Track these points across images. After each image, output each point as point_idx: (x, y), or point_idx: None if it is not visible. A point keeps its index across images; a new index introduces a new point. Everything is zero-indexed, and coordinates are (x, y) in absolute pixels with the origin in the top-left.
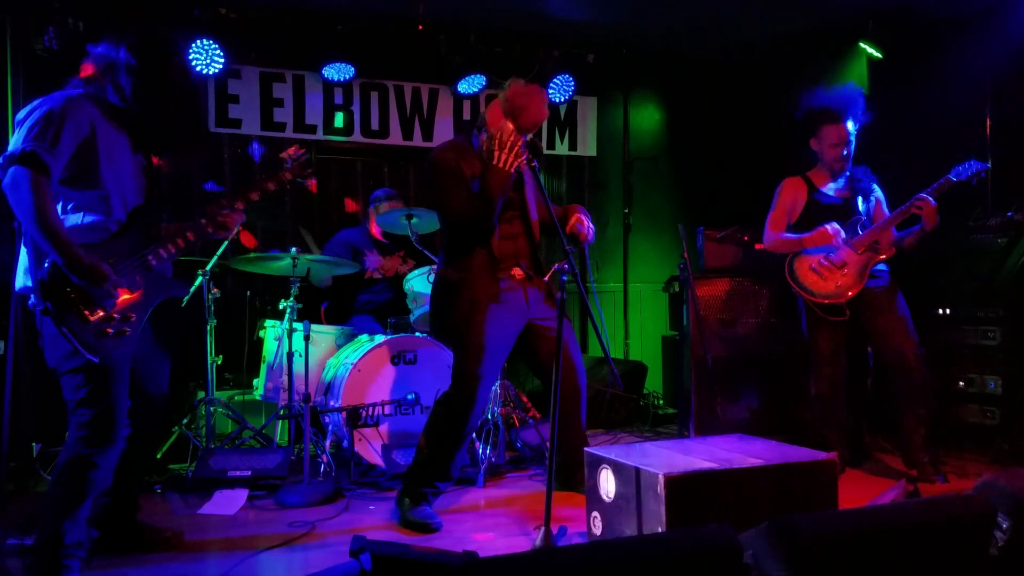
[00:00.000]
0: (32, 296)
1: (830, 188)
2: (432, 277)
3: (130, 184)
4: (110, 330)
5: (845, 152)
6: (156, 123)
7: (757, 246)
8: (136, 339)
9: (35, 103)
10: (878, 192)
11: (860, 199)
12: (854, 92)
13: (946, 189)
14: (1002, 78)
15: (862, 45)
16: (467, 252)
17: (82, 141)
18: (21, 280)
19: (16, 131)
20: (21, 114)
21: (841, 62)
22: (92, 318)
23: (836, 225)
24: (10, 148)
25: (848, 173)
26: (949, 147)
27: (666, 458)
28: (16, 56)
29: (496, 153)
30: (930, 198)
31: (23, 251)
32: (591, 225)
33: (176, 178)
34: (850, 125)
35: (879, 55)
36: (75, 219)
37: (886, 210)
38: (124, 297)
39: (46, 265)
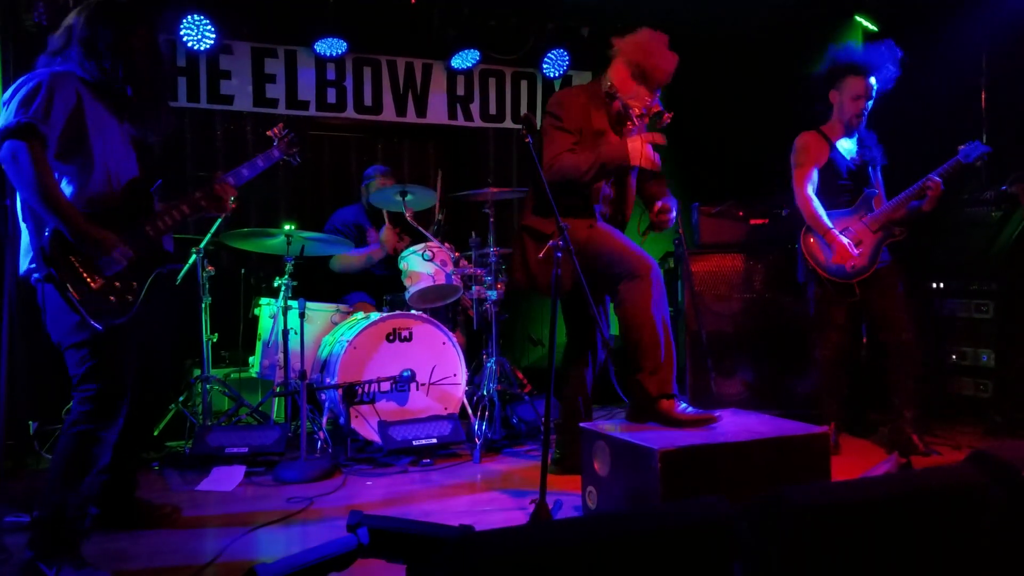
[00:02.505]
0: (33, 265)
1: (844, 150)
2: (427, 254)
3: (120, 156)
4: (113, 297)
5: (866, 106)
6: (123, 93)
7: (752, 221)
8: (138, 309)
9: (21, 79)
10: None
11: (870, 168)
12: (885, 49)
13: (955, 171)
14: (997, 52)
15: (858, 18)
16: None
17: (71, 113)
18: (24, 263)
19: (3, 109)
20: (7, 94)
21: (837, 35)
22: (95, 285)
23: (856, 251)
24: (2, 123)
25: (858, 135)
26: (945, 121)
27: (660, 433)
28: (6, 31)
29: (634, 124)
30: (940, 181)
31: (24, 232)
32: (673, 216)
33: (169, 156)
34: (873, 81)
35: (875, 28)
36: (71, 192)
37: (881, 179)
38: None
39: (47, 233)
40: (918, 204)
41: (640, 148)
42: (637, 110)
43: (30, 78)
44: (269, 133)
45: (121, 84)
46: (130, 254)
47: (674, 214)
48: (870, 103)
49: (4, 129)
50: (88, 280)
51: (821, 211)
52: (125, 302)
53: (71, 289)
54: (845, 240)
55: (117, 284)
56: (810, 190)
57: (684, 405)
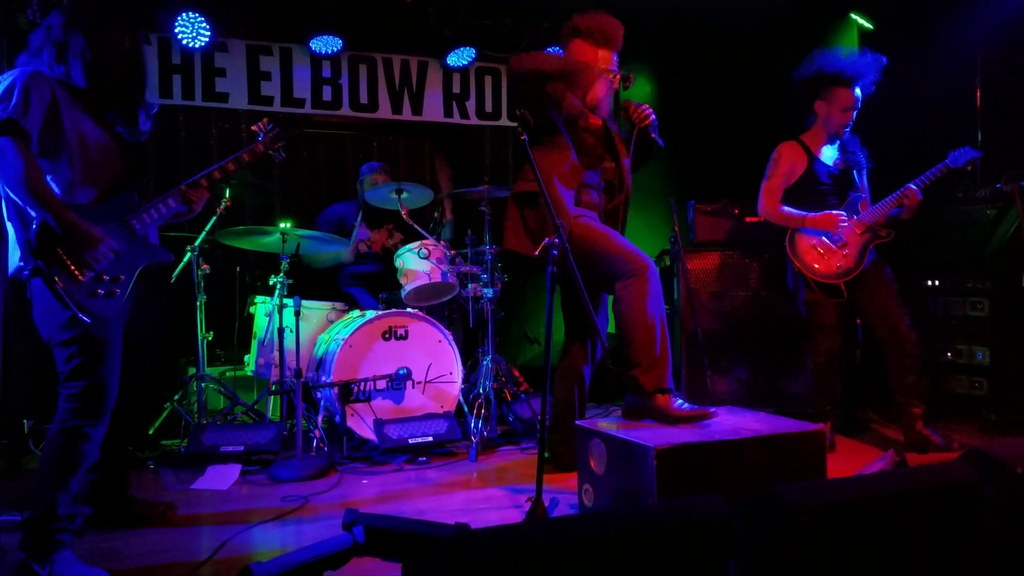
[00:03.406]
0: (22, 263)
1: (827, 156)
2: (423, 252)
3: (101, 153)
4: (100, 290)
5: (853, 116)
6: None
7: (748, 219)
8: (125, 303)
9: None
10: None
11: (854, 172)
12: (871, 59)
13: (943, 175)
14: (992, 50)
15: (853, 16)
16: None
17: (48, 111)
18: (13, 262)
19: None
20: None
21: (832, 33)
22: (82, 278)
23: (843, 211)
24: None
25: (839, 142)
26: (940, 120)
27: (656, 430)
28: (1, 29)
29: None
30: (918, 191)
31: (11, 231)
32: (649, 111)
33: (163, 154)
34: (858, 91)
35: (870, 26)
36: (55, 189)
37: (867, 183)
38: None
39: (34, 227)
40: (897, 212)
41: None
42: (607, 71)
43: (6, 77)
44: (254, 128)
45: (87, 89)
46: (115, 247)
47: (647, 108)
48: (855, 113)
49: None
50: (76, 273)
51: (788, 209)
52: (112, 295)
53: (58, 282)
54: (824, 213)
55: (105, 278)
56: (772, 202)
57: (680, 401)
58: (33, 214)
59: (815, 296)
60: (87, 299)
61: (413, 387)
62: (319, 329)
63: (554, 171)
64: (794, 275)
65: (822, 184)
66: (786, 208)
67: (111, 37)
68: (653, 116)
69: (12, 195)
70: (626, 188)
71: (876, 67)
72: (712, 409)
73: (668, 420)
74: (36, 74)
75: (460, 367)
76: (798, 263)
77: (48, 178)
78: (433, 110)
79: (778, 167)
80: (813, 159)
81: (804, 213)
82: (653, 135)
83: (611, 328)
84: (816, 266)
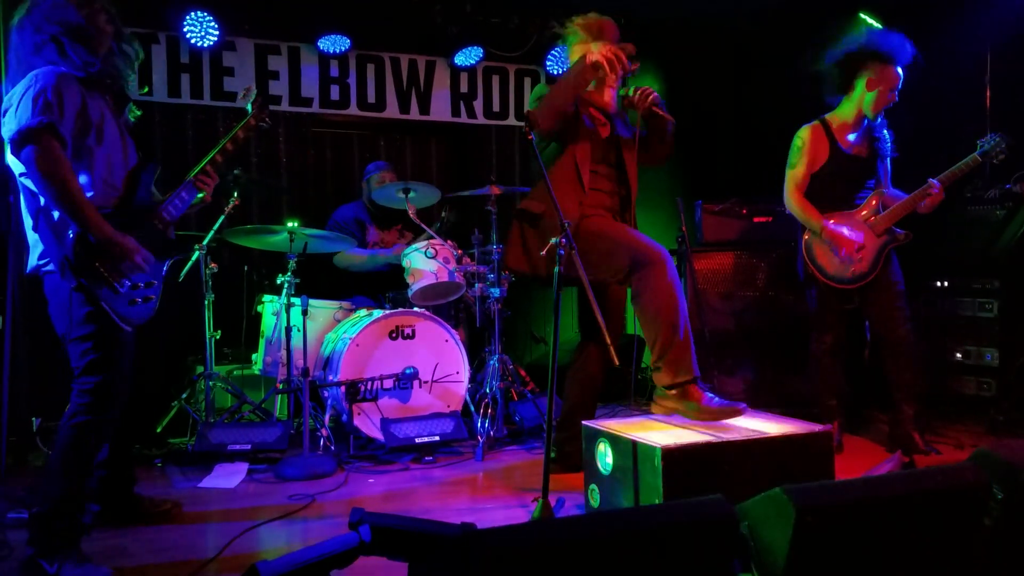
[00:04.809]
0: (56, 273)
1: (849, 140)
2: (430, 252)
3: (120, 151)
4: (139, 299)
5: (896, 99)
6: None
7: (756, 219)
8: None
9: (24, 82)
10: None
11: (878, 160)
12: (910, 45)
13: (971, 169)
14: (1001, 48)
15: (862, 15)
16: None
17: (78, 112)
18: (32, 260)
19: (9, 113)
20: (10, 97)
21: (841, 31)
22: (121, 289)
23: (860, 237)
24: (19, 125)
25: (867, 125)
26: (949, 119)
27: (663, 431)
28: (6, 32)
29: (609, 66)
30: (940, 186)
31: (29, 230)
32: (648, 89)
33: (171, 153)
34: (901, 72)
35: (879, 25)
36: (86, 192)
37: (890, 172)
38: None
39: (70, 238)
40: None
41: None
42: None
43: (37, 79)
44: (238, 101)
45: (112, 70)
46: (151, 258)
47: (647, 88)
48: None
49: (25, 130)
50: (116, 285)
51: (812, 211)
52: (149, 301)
53: (100, 296)
54: (843, 230)
55: (140, 285)
56: (800, 194)
57: (711, 395)
58: (59, 217)
59: (824, 296)
60: (128, 309)
61: (420, 386)
62: (326, 328)
63: (563, 171)
64: (807, 274)
65: (844, 176)
66: (811, 209)
67: (96, 20)
68: (655, 94)
69: (45, 202)
70: (631, 188)
71: (913, 55)
72: (741, 405)
73: (699, 415)
74: (65, 76)
75: (467, 366)
76: (813, 267)
77: (80, 178)
78: (440, 109)
79: (805, 155)
80: (836, 144)
81: (826, 222)
82: (661, 112)
83: (628, 328)
84: (832, 271)
